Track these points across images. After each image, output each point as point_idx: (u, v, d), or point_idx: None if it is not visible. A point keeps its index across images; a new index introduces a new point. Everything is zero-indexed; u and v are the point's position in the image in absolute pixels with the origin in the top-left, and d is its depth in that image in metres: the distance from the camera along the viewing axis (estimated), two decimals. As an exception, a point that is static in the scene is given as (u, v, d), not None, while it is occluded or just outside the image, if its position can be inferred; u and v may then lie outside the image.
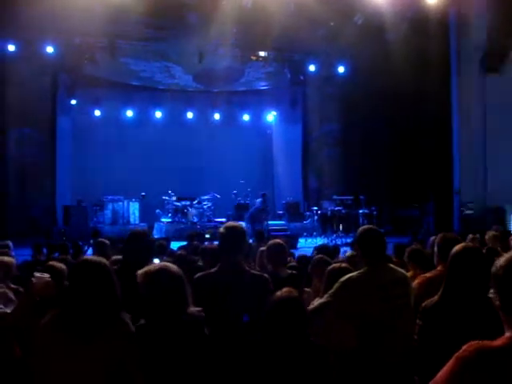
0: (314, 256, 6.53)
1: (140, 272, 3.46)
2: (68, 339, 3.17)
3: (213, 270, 4.54)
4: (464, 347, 2.25)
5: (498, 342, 2.25)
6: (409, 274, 5.75)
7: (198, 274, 4.46)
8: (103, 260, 3.47)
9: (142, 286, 3.37)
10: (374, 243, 4.49)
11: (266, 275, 4.62)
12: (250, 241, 9.79)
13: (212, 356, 3.41)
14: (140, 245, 4.66)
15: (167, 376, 3.23)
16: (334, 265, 4.87)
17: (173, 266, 3.49)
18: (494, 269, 2.36)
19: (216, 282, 4.29)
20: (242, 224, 4.95)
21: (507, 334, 2.27)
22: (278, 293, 3.47)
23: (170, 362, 3.23)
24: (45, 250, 10.19)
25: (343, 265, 4.86)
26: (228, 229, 4.49)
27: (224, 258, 4.49)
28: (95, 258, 3.57)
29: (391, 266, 4.59)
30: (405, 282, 4.52)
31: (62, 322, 3.22)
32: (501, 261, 2.33)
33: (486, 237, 8.60)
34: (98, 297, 3.24)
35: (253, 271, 4.63)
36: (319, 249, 6.29)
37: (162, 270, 3.40)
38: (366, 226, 4.86)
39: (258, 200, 20.09)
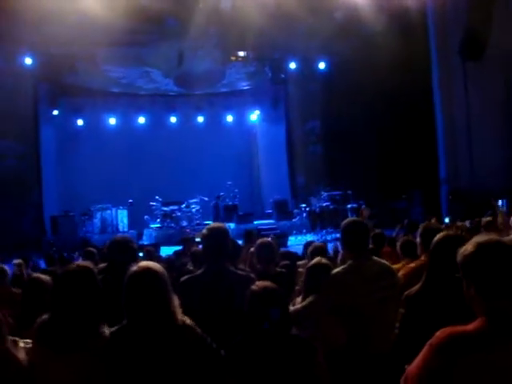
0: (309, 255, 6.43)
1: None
2: (51, 350, 3.15)
3: (197, 272, 4.52)
4: (437, 334, 2.26)
5: (471, 326, 2.26)
6: (400, 265, 5.79)
7: (183, 278, 4.44)
8: (88, 268, 3.43)
9: (125, 287, 3.31)
10: (357, 236, 4.49)
11: (251, 275, 4.59)
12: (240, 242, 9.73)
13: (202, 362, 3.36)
14: (122, 251, 4.62)
15: (145, 380, 3.19)
16: (315, 260, 4.84)
17: (157, 266, 3.40)
18: (461, 257, 2.37)
19: (201, 284, 4.26)
20: (229, 225, 4.93)
21: (479, 319, 2.29)
22: (254, 286, 3.43)
23: (149, 366, 3.17)
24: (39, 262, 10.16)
25: (323, 261, 4.83)
26: (210, 230, 4.46)
27: (208, 260, 4.46)
28: (80, 266, 3.52)
29: (375, 258, 4.60)
30: (390, 273, 4.53)
31: (43, 334, 3.20)
32: (468, 248, 2.35)
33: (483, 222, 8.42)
34: (80, 307, 3.22)
35: (238, 272, 4.60)
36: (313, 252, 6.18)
37: (145, 270, 3.32)
38: (348, 220, 4.86)
39: None
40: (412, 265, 5.16)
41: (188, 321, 3.34)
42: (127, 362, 3.17)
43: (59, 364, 3.14)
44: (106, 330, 3.31)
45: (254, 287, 3.41)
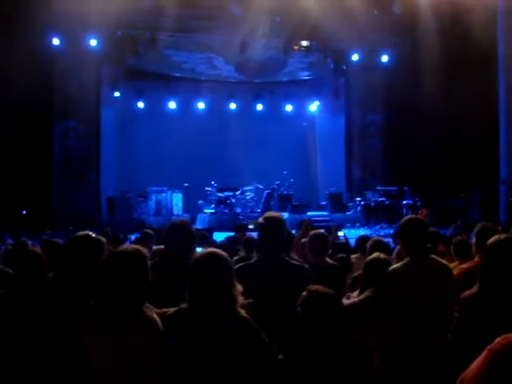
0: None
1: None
2: (99, 332, 3.21)
3: (252, 260, 4.50)
4: (497, 340, 2.17)
5: None
6: (454, 265, 5.68)
7: (237, 265, 4.44)
8: (138, 251, 3.41)
9: (192, 272, 3.29)
10: (417, 234, 4.41)
11: (306, 265, 4.56)
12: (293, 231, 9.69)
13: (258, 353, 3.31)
14: (181, 235, 4.64)
15: (202, 367, 3.18)
16: (374, 255, 4.77)
17: (223, 253, 3.40)
18: None
19: (255, 272, 4.25)
20: (284, 214, 4.90)
21: None
22: (305, 292, 3.32)
23: (205, 352, 3.16)
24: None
25: (382, 256, 4.75)
26: (267, 219, 4.43)
27: (263, 249, 4.45)
28: (130, 247, 3.54)
29: (433, 256, 4.51)
30: (448, 272, 4.45)
31: (95, 314, 3.24)
32: None
33: None
34: (127, 288, 3.23)
35: (293, 262, 4.57)
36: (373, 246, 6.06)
37: (211, 256, 3.32)
38: (408, 217, 4.77)
39: None
40: (465, 265, 5.05)
41: (243, 312, 3.31)
42: (184, 345, 3.18)
43: (108, 347, 3.18)
44: (152, 313, 3.32)
45: (308, 292, 3.32)
